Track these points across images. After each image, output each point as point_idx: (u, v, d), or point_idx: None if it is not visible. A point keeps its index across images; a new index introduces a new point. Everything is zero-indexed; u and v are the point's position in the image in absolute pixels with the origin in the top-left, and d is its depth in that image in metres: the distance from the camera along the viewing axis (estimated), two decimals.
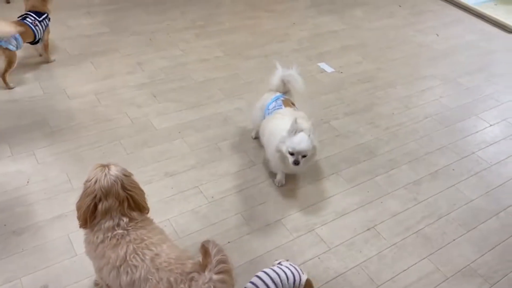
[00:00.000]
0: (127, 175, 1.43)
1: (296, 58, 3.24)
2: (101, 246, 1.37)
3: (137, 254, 1.33)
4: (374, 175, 2.35)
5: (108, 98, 2.65)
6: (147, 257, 1.32)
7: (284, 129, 1.98)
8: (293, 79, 2.28)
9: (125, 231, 1.37)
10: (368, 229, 2.05)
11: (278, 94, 2.29)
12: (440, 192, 2.31)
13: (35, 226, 1.88)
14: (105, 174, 1.38)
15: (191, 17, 3.58)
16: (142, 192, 1.47)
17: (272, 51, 3.29)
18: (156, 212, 1.64)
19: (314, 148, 2.00)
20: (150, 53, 3.09)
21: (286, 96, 2.29)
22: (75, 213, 1.41)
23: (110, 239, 1.36)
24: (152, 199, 1.71)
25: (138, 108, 2.60)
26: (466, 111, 2.94)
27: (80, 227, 1.42)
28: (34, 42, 2.67)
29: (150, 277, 1.29)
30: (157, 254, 1.33)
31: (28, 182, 2.07)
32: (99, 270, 1.42)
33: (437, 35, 3.79)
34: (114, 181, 1.38)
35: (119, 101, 2.63)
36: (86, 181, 1.39)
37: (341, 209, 2.14)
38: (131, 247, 1.34)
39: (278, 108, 2.19)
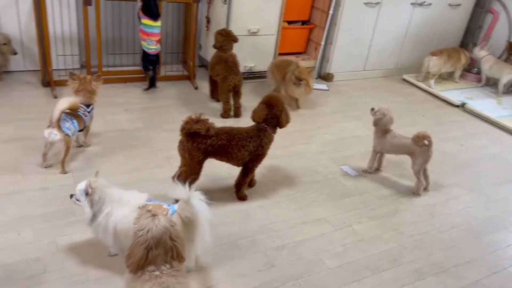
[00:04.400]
0: (173, 225, 1.55)
1: (321, 159, 3.31)
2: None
3: None
4: (400, 285, 2.24)
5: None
6: None
7: None
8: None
9: (160, 274, 1.48)
10: None
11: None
12: None
13: None
14: (156, 224, 1.49)
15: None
16: (183, 243, 1.58)
17: (296, 151, 3.37)
18: None
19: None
20: None
21: None
22: None
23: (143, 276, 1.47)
24: None
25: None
26: (495, 224, 2.84)
27: (130, 272, 1.52)
28: (80, 130, 2.91)
29: None
30: None
31: (44, 271, 2.06)
32: None
33: (462, 145, 3.83)
34: (164, 231, 1.49)
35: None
36: (138, 230, 1.50)
37: None
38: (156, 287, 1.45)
39: None
